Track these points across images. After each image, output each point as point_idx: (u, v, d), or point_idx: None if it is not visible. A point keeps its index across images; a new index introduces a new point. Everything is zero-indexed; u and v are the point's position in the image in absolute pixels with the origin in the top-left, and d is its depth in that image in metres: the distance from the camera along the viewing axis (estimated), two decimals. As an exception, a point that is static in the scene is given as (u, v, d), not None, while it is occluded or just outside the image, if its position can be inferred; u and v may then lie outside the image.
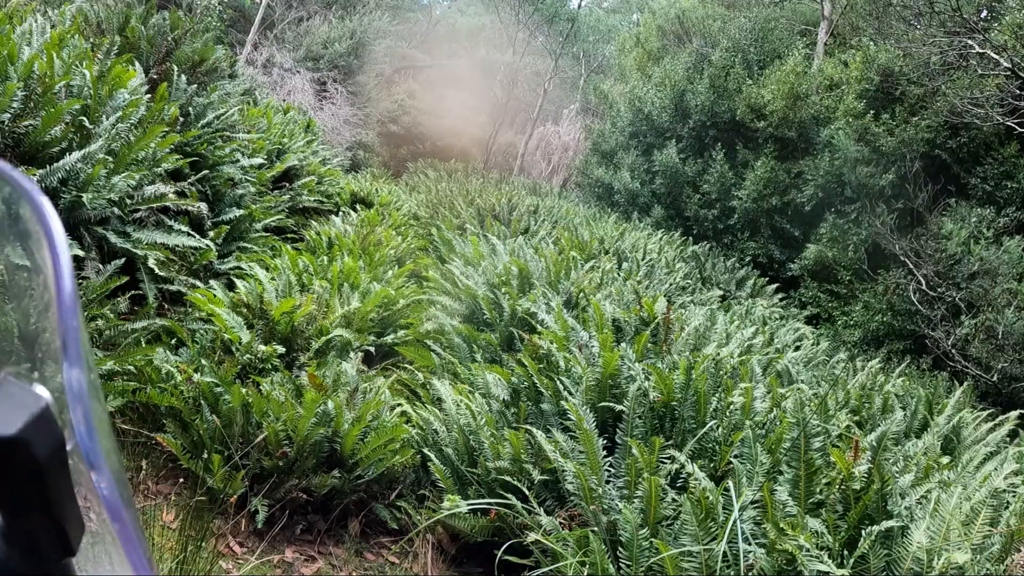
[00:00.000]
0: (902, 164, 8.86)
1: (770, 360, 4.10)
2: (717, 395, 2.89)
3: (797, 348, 5.58)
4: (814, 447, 2.25)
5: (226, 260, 4.60)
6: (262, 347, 3.30)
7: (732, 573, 1.90)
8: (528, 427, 2.78)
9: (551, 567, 2.17)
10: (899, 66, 9.19)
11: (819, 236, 9.69)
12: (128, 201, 3.81)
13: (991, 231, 7.84)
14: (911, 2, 8.99)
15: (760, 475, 2.22)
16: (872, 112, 9.30)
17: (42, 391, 0.34)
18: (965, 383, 5.62)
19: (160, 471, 2.80)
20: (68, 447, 0.35)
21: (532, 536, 2.24)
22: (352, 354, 3.62)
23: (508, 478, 2.60)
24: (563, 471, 2.46)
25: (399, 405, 3.32)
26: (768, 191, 10.33)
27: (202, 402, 2.78)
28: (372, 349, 4.02)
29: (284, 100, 13.32)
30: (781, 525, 1.96)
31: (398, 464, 2.97)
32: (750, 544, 1.95)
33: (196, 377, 2.84)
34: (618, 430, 2.62)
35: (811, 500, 2.19)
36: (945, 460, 2.93)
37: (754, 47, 11.73)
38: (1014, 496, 2.34)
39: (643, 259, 7.33)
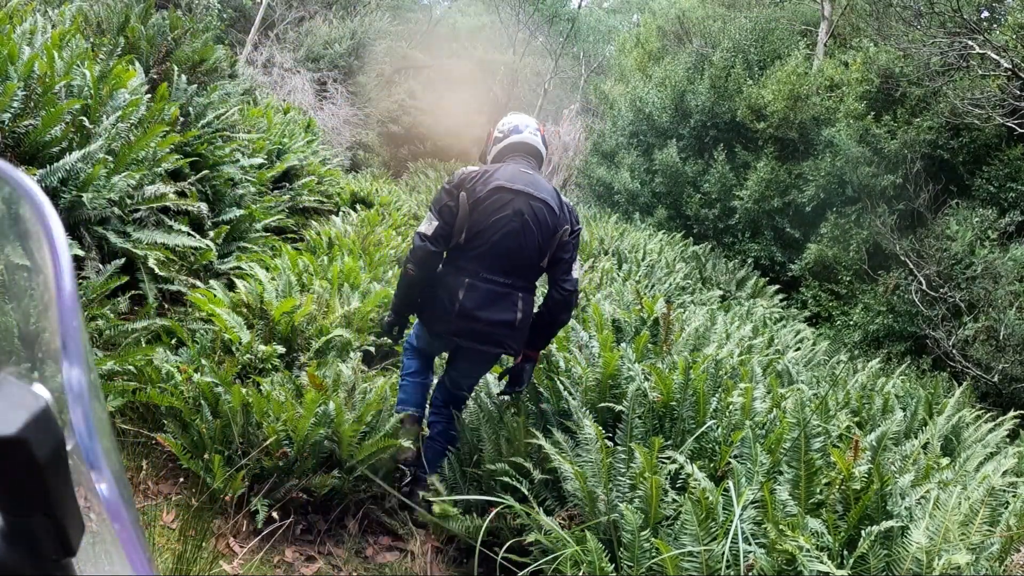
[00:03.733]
0: (903, 165, 8.86)
1: (770, 360, 4.10)
2: (717, 395, 2.89)
3: (797, 349, 5.58)
4: (814, 447, 2.25)
5: (226, 260, 4.60)
6: (262, 347, 3.30)
7: (732, 573, 1.90)
8: (527, 428, 2.78)
9: (551, 567, 2.18)
10: (900, 67, 9.20)
11: (820, 236, 9.69)
12: (128, 201, 3.82)
13: (995, 233, 7.83)
14: (911, 3, 8.99)
15: (760, 475, 2.23)
16: (873, 113, 9.29)
17: (42, 391, 0.34)
18: (964, 383, 5.62)
19: (160, 471, 2.80)
20: (68, 447, 0.35)
21: (532, 536, 2.24)
22: (352, 354, 3.63)
23: (508, 479, 2.61)
24: (563, 472, 2.46)
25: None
26: (770, 192, 10.33)
27: (202, 402, 2.78)
28: (372, 349, 4.02)
29: (284, 100, 13.32)
30: (781, 525, 1.96)
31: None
32: (750, 544, 1.95)
33: (196, 377, 2.84)
34: (618, 430, 2.62)
35: (811, 500, 2.19)
36: (945, 461, 2.93)
37: (754, 48, 11.73)
38: (1014, 496, 2.34)
39: (643, 259, 7.33)
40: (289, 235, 6.32)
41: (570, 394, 2.89)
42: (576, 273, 2.67)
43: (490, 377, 3.14)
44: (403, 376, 3.00)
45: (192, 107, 5.24)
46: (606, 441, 2.45)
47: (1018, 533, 1.90)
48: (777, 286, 9.58)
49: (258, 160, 5.77)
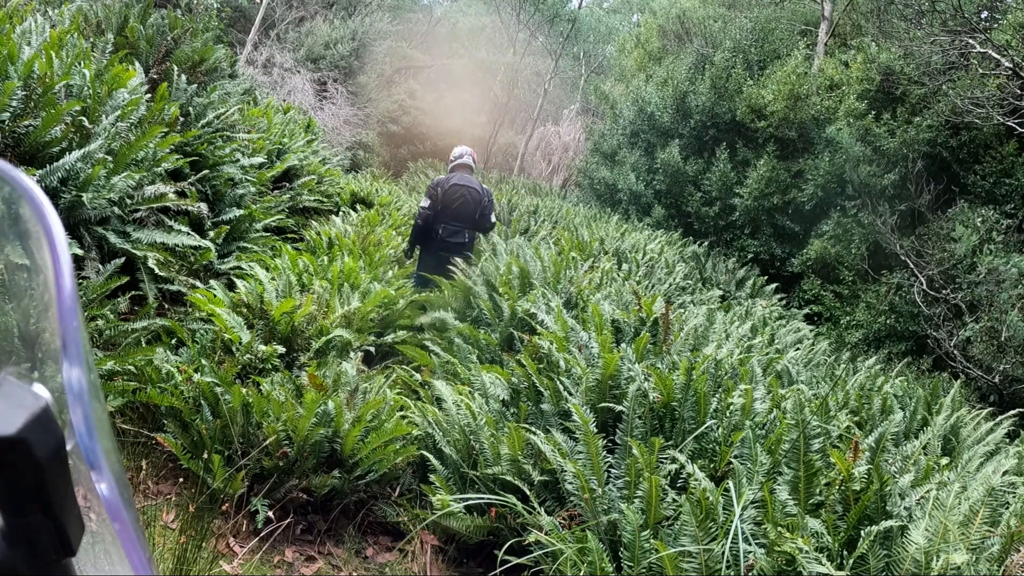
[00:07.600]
0: (903, 164, 8.86)
1: (770, 360, 4.10)
2: (717, 395, 2.89)
3: (797, 348, 5.58)
4: (814, 448, 2.25)
5: (226, 260, 4.60)
6: (262, 347, 3.30)
7: (732, 573, 1.90)
8: (527, 428, 2.78)
9: (551, 567, 2.17)
10: (900, 66, 9.19)
11: (821, 233, 9.69)
12: (128, 201, 3.81)
13: (1000, 236, 7.80)
14: (912, 1, 8.98)
15: (760, 475, 2.22)
16: (873, 112, 9.29)
17: (42, 391, 0.34)
18: (958, 381, 5.61)
19: (160, 471, 2.80)
20: (68, 447, 0.35)
21: (532, 536, 2.24)
22: (352, 354, 3.62)
23: (509, 478, 2.60)
24: (563, 472, 2.46)
25: (401, 409, 3.31)
26: (770, 190, 10.33)
27: (202, 402, 2.78)
28: (372, 349, 4.02)
29: (284, 100, 13.32)
30: (781, 525, 1.96)
31: (399, 463, 2.97)
32: (750, 544, 1.95)
33: (196, 377, 2.84)
34: (618, 430, 2.62)
35: (811, 501, 2.19)
36: (944, 461, 2.93)
37: (755, 47, 11.73)
38: (1014, 496, 2.34)
39: (643, 259, 7.33)
40: (289, 235, 6.32)
41: (570, 394, 2.89)
42: (493, 218, 5.62)
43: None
44: (416, 286, 5.33)
45: (192, 107, 5.24)
46: (591, 427, 2.45)
47: (1018, 533, 1.90)
48: (776, 284, 9.58)
49: (258, 160, 5.77)
